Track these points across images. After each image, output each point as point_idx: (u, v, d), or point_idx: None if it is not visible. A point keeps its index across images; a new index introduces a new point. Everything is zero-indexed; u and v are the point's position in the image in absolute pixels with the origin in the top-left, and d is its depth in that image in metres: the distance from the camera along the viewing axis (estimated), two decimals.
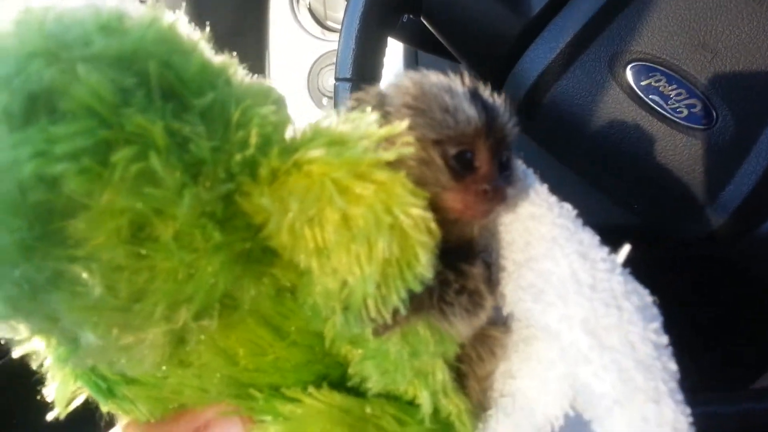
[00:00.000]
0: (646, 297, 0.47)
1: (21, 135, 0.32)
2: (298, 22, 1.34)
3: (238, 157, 0.38)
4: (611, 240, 1.19)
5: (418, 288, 0.41)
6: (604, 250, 0.47)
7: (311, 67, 1.34)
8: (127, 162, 0.33)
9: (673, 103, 0.74)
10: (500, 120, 0.45)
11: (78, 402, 0.49)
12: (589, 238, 0.48)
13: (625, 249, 0.50)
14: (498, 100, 0.47)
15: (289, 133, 0.43)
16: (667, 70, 0.74)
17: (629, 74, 0.76)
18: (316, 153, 0.39)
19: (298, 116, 1.32)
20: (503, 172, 0.46)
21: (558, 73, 0.78)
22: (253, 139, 0.38)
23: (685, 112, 0.74)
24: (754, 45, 0.71)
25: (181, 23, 0.40)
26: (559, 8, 0.79)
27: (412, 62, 1.28)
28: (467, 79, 0.46)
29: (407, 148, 0.40)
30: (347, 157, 0.39)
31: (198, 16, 1.20)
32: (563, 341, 0.45)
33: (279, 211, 0.39)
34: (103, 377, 0.47)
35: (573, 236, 0.47)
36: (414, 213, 0.39)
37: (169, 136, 0.34)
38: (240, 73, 0.42)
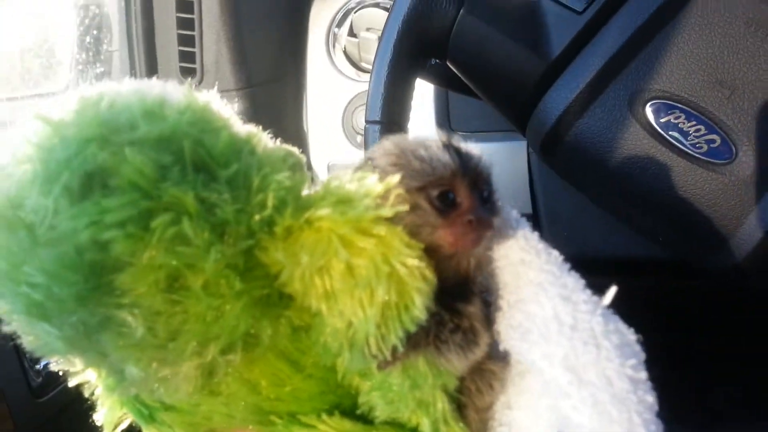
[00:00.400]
0: (627, 336, 0.50)
1: (79, 207, 0.39)
2: (334, 64, 1.39)
3: (257, 217, 0.44)
4: (638, 271, 1.19)
5: (413, 328, 0.46)
6: (587, 293, 0.51)
7: (346, 107, 1.38)
8: (164, 227, 0.39)
9: (693, 139, 0.75)
10: (473, 161, 0.50)
11: (124, 426, 0.55)
12: (573, 282, 0.51)
13: (611, 291, 0.53)
14: (470, 147, 0.51)
15: (305, 192, 0.50)
16: (685, 108, 0.75)
17: (649, 112, 0.77)
18: (324, 212, 0.45)
19: (334, 153, 1.36)
20: (485, 205, 0.50)
21: (579, 112, 0.80)
22: (270, 202, 0.44)
23: (705, 147, 0.74)
24: None
25: (214, 102, 0.47)
26: (578, 50, 0.81)
27: (443, 101, 1.32)
28: (442, 135, 0.51)
29: (402, 205, 0.46)
30: (351, 215, 0.45)
31: (241, 64, 1.29)
32: (546, 376, 0.48)
33: (292, 263, 0.45)
34: (145, 404, 0.53)
35: (557, 281, 0.51)
36: (409, 263, 0.45)
37: (199, 203, 0.41)
38: (263, 141, 0.49)
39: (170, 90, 0.46)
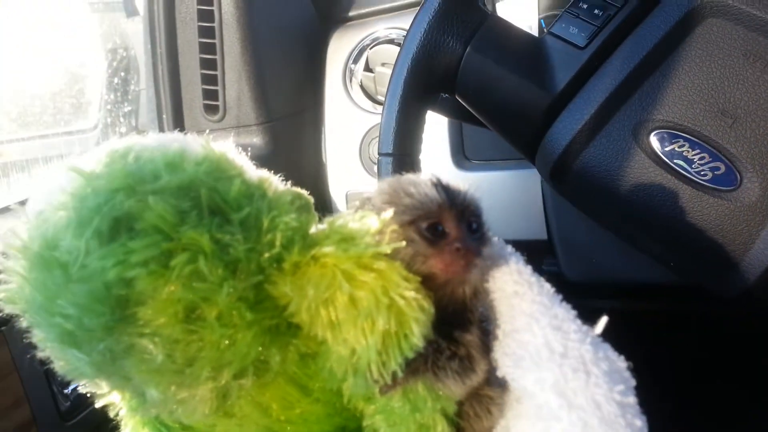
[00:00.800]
0: (617, 363, 0.52)
1: (107, 249, 0.43)
2: (351, 98, 1.43)
3: (266, 255, 0.48)
4: (653, 296, 1.20)
5: (411, 355, 0.49)
6: (577, 323, 0.53)
7: (363, 138, 1.42)
8: (182, 265, 0.44)
9: (698, 167, 0.75)
10: (460, 196, 0.53)
11: None
12: (564, 312, 0.54)
13: (603, 320, 0.56)
14: (458, 183, 0.54)
15: (312, 230, 0.54)
16: (689, 136, 0.76)
17: (653, 141, 0.78)
18: (328, 249, 0.49)
19: (352, 183, 1.39)
20: (474, 234, 0.53)
21: (585, 143, 0.81)
22: (279, 241, 0.48)
23: (710, 174, 0.75)
24: None
25: (230, 152, 0.52)
26: (582, 84, 0.82)
27: (457, 132, 1.34)
28: (431, 174, 0.54)
29: (398, 241, 0.50)
30: (353, 252, 0.49)
31: (262, 100, 1.33)
32: (538, 401, 0.51)
33: (299, 295, 0.49)
34: (165, 424, 0.58)
35: (548, 311, 0.53)
36: (407, 294, 0.48)
37: (213, 243, 0.45)
38: (274, 185, 0.54)
39: (190, 141, 0.51)
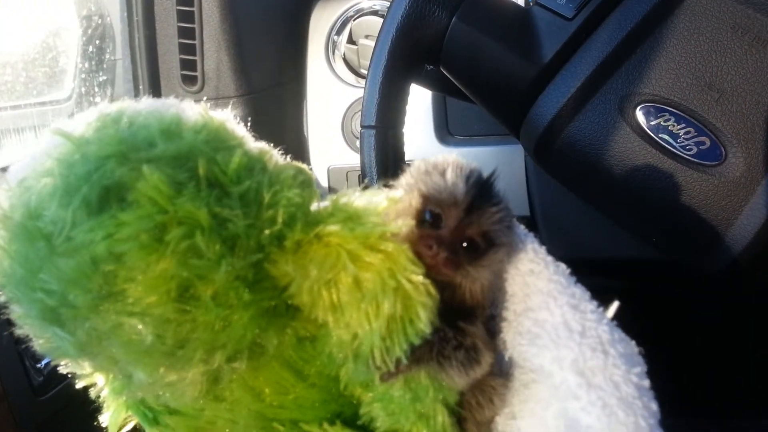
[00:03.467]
0: (632, 347, 0.52)
1: (96, 220, 0.40)
2: (334, 71, 1.41)
3: (267, 232, 0.45)
4: (635, 273, 1.20)
5: (417, 341, 0.47)
6: (594, 304, 0.52)
7: (345, 112, 1.40)
8: (177, 240, 0.40)
9: (683, 141, 0.75)
10: (484, 208, 0.49)
11: (128, 428, 0.57)
12: (581, 292, 0.53)
13: (614, 305, 0.55)
14: (501, 196, 0.51)
15: (314, 207, 0.51)
16: (675, 110, 0.76)
17: (639, 115, 0.77)
18: (333, 228, 0.46)
19: (334, 157, 1.38)
20: (469, 250, 0.49)
21: (570, 116, 0.81)
22: (280, 218, 0.45)
23: (695, 149, 0.75)
24: (759, 84, 0.73)
25: (229, 121, 0.48)
26: (569, 56, 0.81)
27: (441, 106, 1.33)
28: (478, 168, 0.51)
29: (407, 223, 0.47)
30: (359, 231, 0.46)
31: (242, 71, 1.30)
32: (555, 380, 0.50)
33: (301, 275, 0.46)
34: (149, 408, 0.54)
35: (566, 290, 0.52)
36: (415, 278, 0.46)
37: (211, 218, 0.42)
38: (275, 159, 0.50)
39: (186, 108, 0.47)
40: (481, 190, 0.50)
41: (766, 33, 0.73)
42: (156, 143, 0.42)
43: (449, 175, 0.50)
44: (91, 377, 0.52)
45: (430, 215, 0.49)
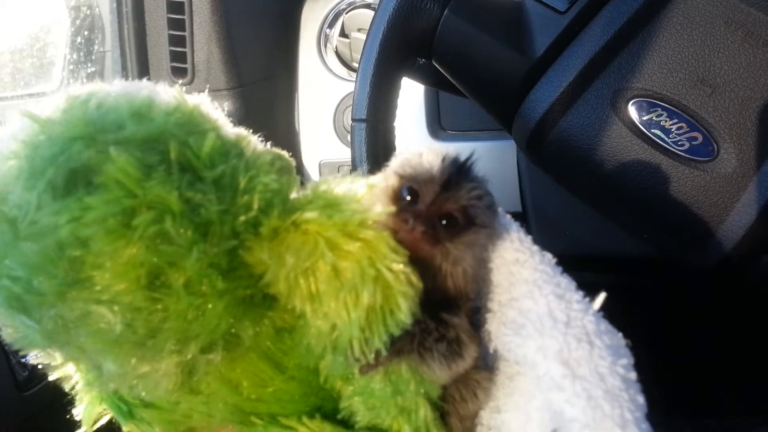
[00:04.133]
0: (618, 338, 0.50)
1: (61, 203, 0.38)
2: (326, 64, 1.40)
3: (242, 218, 0.44)
4: (626, 269, 1.20)
5: (397, 332, 0.45)
6: (580, 294, 0.51)
7: (337, 106, 1.39)
8: (146, 224, 0.39)
9: (675, 137, 0.75)
10: (461, 185, 0.49)
11: (103, 421, 0.55)
12: (567, 282, 0.52)
13: (601, 296, 0.54)
14: (480, 177, 0.51)
15: (293, 194, 0.49)
16: (667, 106, 0.75)
17: (631, 110, 0.77)
18: (311, 215, 0.45)
19: (325, 152, 1.37)
20: (448, 226, 0.48)
21: (563, 110, 0.80)
22: (256, 204, 0.44)
23: (687, 144, 0.74)
24: (752, 80, 0.72)
25: (204, 105, 0.47)
26: (562, 50, 0.81)
27: (433, 100, 1.33)
28: (458, 152, 0.51)
29: (388, 209, 0.46)
30: (338, 218, 0.45)
31: (232, 64, 1.28)
32: (539, 370, 0.49)
33: (277, 263, 0.44)
34: (124, 401, 0.53)
35: (551, 279, 0.51)
36: (395, 267, 0.45)
37: (183, 203, 0.40)
38: (253, 144, 0.49)
39: (160, 91, 0.46)
40: (458, 169, 0.49)
41: (759, 28, 0.72)
42: (125, 125, 0.41)
43: (426, 156, 0.49)
44: (63, 368, 0.51)
45: (408, 191, 0.48)
